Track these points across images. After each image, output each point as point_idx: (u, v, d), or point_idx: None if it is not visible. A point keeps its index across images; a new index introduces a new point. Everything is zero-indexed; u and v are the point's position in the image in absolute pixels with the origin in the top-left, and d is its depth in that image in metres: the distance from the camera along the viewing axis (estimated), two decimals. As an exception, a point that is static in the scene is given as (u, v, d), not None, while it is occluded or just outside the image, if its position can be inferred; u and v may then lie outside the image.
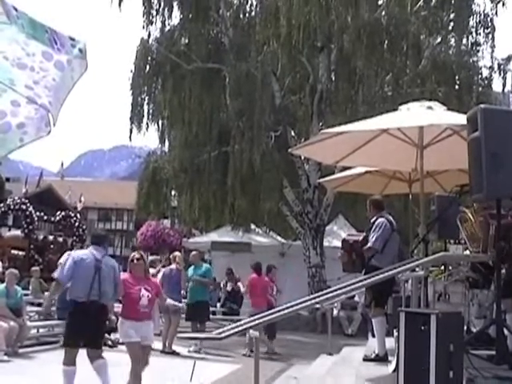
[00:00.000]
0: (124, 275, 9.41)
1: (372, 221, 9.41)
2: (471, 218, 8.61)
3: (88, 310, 8.85)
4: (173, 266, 15.87)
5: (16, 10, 3.64)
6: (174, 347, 15.04)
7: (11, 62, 3.89)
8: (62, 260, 8.79)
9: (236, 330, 6.99)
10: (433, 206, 10.05)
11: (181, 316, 16.05)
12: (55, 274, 9.01)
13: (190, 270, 16.61)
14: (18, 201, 30.92)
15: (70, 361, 8.78)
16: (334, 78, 23.43)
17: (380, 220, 9.23)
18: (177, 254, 16.84)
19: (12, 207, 30.49)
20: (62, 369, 8.73)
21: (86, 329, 8.88)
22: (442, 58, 22.84)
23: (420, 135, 8.67)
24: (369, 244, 9.07)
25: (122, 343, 10.23)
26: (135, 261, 9.35)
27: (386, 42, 21.99)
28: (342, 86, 22.48)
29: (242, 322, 7.19)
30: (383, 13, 22.41)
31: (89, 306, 8.84)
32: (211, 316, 21.69)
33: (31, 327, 15.07)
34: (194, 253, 17.39)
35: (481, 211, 8.43)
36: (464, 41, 23.53)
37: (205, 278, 16.41)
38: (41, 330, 16.16)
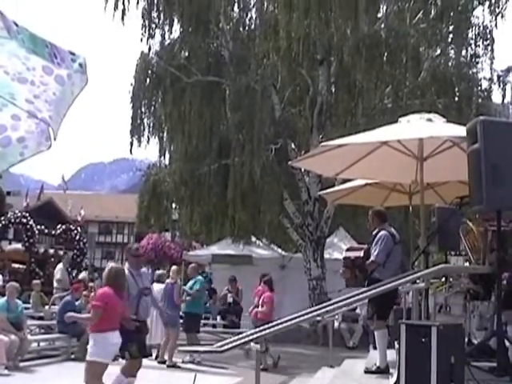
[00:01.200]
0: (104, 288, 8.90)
1: (374, 233, 9.41)
2: (473, 229, 8.63)
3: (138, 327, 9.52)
4: (168, 280, 16.10)
5: (16, 25, 3.66)
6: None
7: (11, 77, 3.91)
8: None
9: (237, 343, 7.00)
10: (433, 217, 10.05)
11: (179, 329, 16.13)
12: None
13: (189, 284, 16.94)
14: (19, 214, 30.91)
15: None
16: (333, 91, 23.45)
17: (382, 233, 9.22)
18: (173, 268, 17.08)
19: (13, 221, 30.48)
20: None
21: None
22: (441, 70, 22.86)
23: (420, 147, 8.68)
24: (371, 258, 9.06)
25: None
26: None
27: (386, 54, 22.01)
28: (341, 99, 22.50)
29: (243, 335, 7.20)
30: (382, 25, 22.46)
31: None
32: (211, 329, 21.76)
33: (32, 341, 15.06)
34: (190, 266, 17.69)
35: (482, 222, 8.45)
36: (463, 53, 23.54)
37: (191, 289, 16.75)
38: (41, 344, 16.15)
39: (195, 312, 16.79)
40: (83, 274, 25.32)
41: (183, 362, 15.43)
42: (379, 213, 9.76)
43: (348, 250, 10.06)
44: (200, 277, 17.82)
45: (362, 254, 9.34)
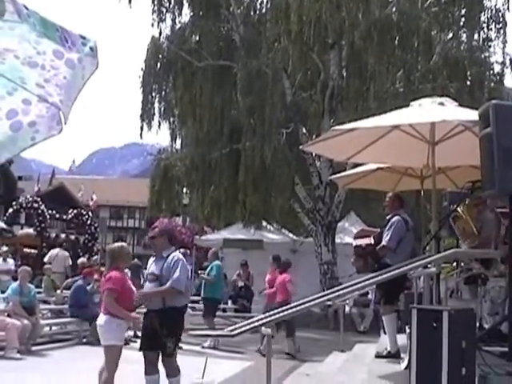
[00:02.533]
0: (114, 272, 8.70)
1: (388, 218, 9.39)
2: (462, 215, 8.60)
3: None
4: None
5: (27, 8, 3.64)
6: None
7: (22, 61, 3.90)
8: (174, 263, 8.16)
9: (248, 327, 7.01)
10: (445, 202, 10.01)
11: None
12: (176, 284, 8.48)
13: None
14: (31, 199, 31.07)
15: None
16: (345, 75, 23.36)
17: (396, 218, 9.20)
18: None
19: (24, 205, 30.65)
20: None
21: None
22: (453, 54, 22.70)
23: (432, 131, 8.63)
24: (383, 242, 9.04)
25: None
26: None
27: (397, 38, 21.90)
28: (353, 83, 22.41)
29: (255, 319, 7.21)
30: (394, 9, 22.32)
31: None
32: (222, 313, 21.83)
33: (44, 325, 15.13)
34: (210, 251, 17.97)
35: (473, 207, 8.44)
36: (475, 36, 23.41)
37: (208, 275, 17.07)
38: (53, 328, 16.24)
39: (213, 297, 16.84)
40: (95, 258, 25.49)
41: (203, 347, 15.46)
42: (399, 197, 9.74)
43: (357, 236, 9.97)
44: (218, 261, 17.80)
45: (372, 240, 9.29)
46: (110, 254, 8.86)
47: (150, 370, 8.43)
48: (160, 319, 8.42)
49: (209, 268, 17.25)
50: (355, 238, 9.87)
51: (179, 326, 8.74)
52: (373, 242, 9.25)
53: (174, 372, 8.43)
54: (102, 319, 8.51)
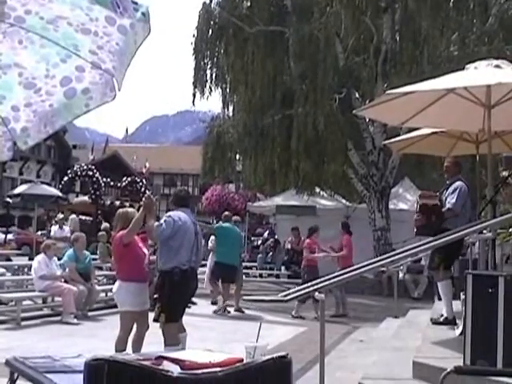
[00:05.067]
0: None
1: (448, 182, 9.32)
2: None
3: (190, 278, 8.37)
4: None
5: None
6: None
7: (75, 28, 3.92)
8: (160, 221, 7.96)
9: (301, 292, 7.03)
10: (501, 167, 9.86)
11: (242, 276, 16.26)
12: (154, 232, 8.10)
13: None
14: (85, 167, 31.46)
15: (180, 329, 8.50)
16: (398, 39, 23.00)
17: (459, 183, 9.18)
18: None
19: (79, 174, 31.04)
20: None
21: (186, 300, 8.74)
22: (509, 16, 22.18)
23: (488, 94, 8.47)
24: (448, 205, 8.99)
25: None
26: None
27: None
28: (406, 47, 22.05)
29: (307, 285, 7.22)
30: (448, -30, 21.90)
31: (190, 274, 8.33)
32: (275, 279, 21.92)
33: (99, 291, 15.39)
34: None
35: None
36: (533, -3, 22.84)
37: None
38: (109, 294, 16.49)
39: (220, 261, 15.95)
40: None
41: (214, 312, 15.62)
42: (458, 163, 9.68)
43: (421, 196, 9.83)
44: (227, 224, 16.36)
45: (438, 202, 9.20)
46: (118, 217, 8.69)
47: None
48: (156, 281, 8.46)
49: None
50: (420, 197, 9.74)
51: (166, 291, 8.19)
52: (439, 203, 9.17)
53: (170, 341, 8.04)
54: (114, 286, 8.60)
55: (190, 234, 8.36)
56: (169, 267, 8.20)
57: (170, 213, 8.57)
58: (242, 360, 3.43)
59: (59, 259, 14.83)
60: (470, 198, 9.31)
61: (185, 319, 8.73)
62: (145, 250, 8.70)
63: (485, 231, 7.58)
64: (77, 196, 41.71)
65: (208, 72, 25.57)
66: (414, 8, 20.96)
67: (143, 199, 8.28)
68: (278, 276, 23.31)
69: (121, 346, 8.14)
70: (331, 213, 23.88)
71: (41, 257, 14.21)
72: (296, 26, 22.45)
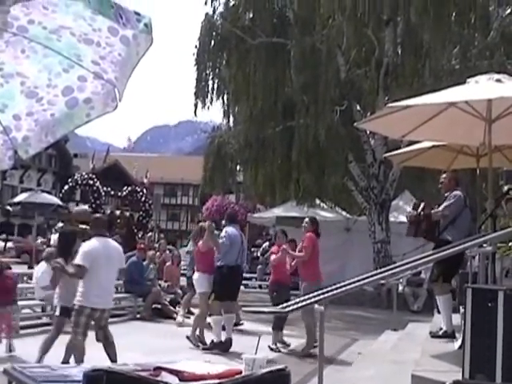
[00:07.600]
0: None
1: (446, 194, 9.38)
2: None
3: (238, 272, 12.52)
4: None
5: (81, -15, 3.66)
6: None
7: (78, 38, 3.93)
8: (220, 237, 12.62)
9: (301, 304, 7.02)
10: (501, 180, 9.88)
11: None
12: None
13: None
14: (86, 176, 31.48)
15: (219, 312, 12.05)
16: (400, 52, 23.06)
17: (455, 192, 9.29)
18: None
19: (80, 182, 31.06)
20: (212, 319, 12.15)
21: (236, 287, 12.63)
22: (511, 30, 22.24)
23: (488, 108, 8.48)
24: (439, 208, 9.08)
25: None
26: None
27: (454, 13, 21.54)
28: (408, 60, 22.11)
29: (307, 297, 7.22)
30: (450, -17, 21.92)
31: (237, 269, 12.43)
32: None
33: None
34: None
35: None
36: (534, 11, 22.87)
37: None
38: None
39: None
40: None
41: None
42: (454, 178, 9.75)
43: (414, 207, 9.95)
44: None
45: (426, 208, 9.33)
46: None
47: None
48: None
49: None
50: (412, 208, 9.85)
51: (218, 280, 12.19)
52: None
53: (214, 312, 12.25)
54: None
55: (238, 243, 12.33)
56: (220, 264, 12.16)
57: (226, 229, 12.47)
58: (241, 372, 3.43)
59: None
60: (469, 210, 9.33)
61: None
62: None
63: (485, 245, 7.57)
64: (77, 205, 41.66)
65: (210, 83, 25.60)
66: (416, 21, 20.99)
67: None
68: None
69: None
70: (332, 225, 23.85)
71: (44, 266, 14.16)
72: (298, 38, 22.52)
